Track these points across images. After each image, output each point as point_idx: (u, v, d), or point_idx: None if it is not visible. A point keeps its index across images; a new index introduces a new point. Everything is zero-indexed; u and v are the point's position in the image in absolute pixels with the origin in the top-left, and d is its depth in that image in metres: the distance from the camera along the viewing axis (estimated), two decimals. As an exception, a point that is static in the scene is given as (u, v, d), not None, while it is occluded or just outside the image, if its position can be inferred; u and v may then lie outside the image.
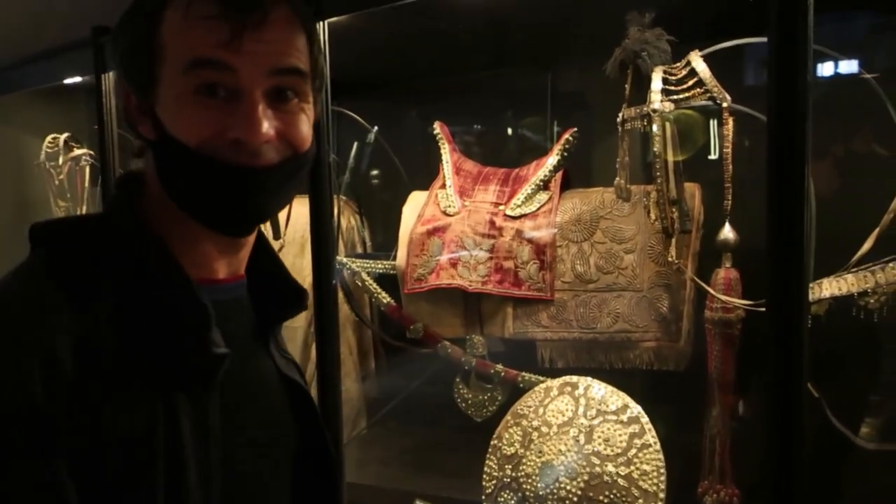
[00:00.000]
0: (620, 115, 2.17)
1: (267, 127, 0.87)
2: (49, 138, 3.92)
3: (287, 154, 0.91)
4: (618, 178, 2.18)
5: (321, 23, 2.25)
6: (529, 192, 2.60)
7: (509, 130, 3.73)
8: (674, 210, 2.08)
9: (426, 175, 3.01)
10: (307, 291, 1.13)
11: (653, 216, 2.12)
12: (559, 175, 2.63)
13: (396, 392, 3.23)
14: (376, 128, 3.26)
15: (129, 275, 0.87)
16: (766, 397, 1.51)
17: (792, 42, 1.41)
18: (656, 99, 2.03)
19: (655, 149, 2.03)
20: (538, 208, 2.58)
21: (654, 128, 2.02)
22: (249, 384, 1.02)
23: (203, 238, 0.94)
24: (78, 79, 3.45)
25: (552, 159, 2.63)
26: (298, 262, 3.38)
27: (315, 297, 2.53)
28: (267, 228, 3.17)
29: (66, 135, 3.93)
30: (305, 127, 0.94)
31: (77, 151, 3.94)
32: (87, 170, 3.95)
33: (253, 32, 0.85)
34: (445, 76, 3.58)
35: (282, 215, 3.15)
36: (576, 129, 2.63)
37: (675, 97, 2.04)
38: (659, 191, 2.05)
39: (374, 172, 3.89)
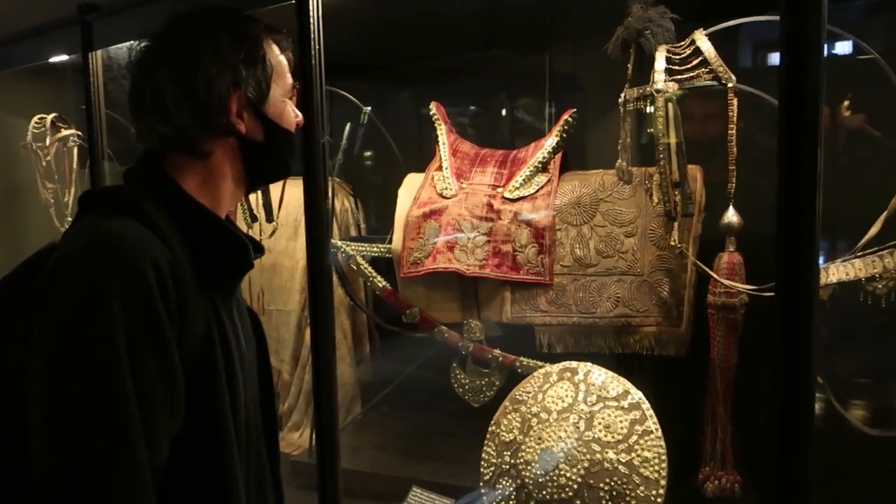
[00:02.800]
0: (622, 95, 2.12)
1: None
2: (36, 118, 3.83)
3: None
4: (619, 160, 2.14)
5: (315, 9, 2.19)
6: (528, 174, 2.55)
7: (505, 112, 3.68)
8: (676, 193, 2.03)
9: (422, 157, 2.95)
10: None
11: (655, 199, 2.08)
12: (558, 157, 2.58)
13: (392, 377, 3.20)
14: (369, 108, 3.20)
15: (185, 222, 1.19)
16: (773, 383, 1.48)
17: (804, 20, 1.36)
18: (660, 79, 1.98)
19: (658, 130, 1.98)
20: (537, 191, 2.53)
21: (657, 108, 1.97)
22: (239, 302, 1.36)
23: (237, 197, 1.35)
24: (64, 57, 3.37)
25: (551, 140, 2.58)
26: (291, 244, 3.33)
27: (309, 281, 2.47)
28: (260, 211, 3.11)
29: (53, 115, 3.85)
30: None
31: (65, 132, 3.86)
32: (75, 151, 3.88)
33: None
34: (441, 57, 3.52)
35: (275, 197, 3.10)
36: (574, 109, 2.58)
37: (678, 77, 1.99)
38: (662, 173, 2.00)
39: (368, 154, 3.83)
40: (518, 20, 3.04)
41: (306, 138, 2.24)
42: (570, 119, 2.56)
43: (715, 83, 1.97)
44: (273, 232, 3.10)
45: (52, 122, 3.84)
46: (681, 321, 2.33)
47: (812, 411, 1.48)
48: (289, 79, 1.32)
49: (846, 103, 2.40)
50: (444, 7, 2.90)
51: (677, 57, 2.01)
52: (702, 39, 1.98)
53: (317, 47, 2.18)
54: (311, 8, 2.19)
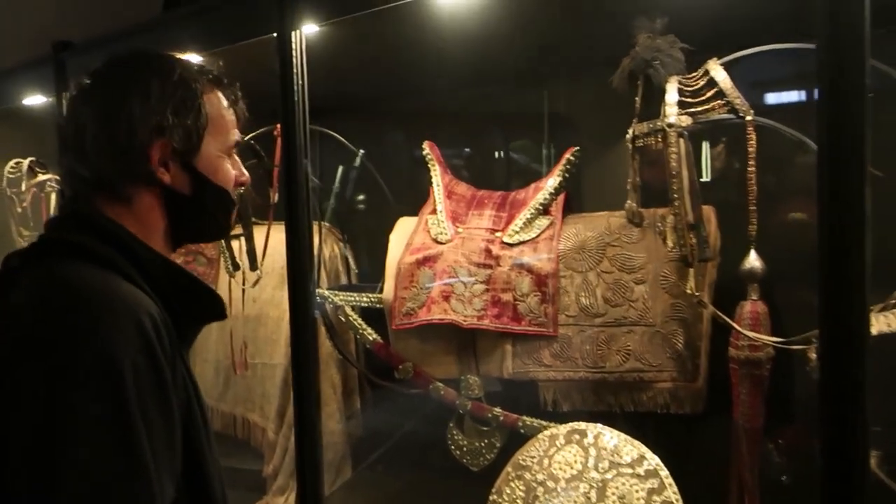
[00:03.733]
0: (630, 131, 1.96)
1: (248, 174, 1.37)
2: (11, 163, 3.67)
3: None
4: (629, 202, 1.97)
5: (296, 32, 2.04)
6: (528, 216, 2.38)
7: (501, 153, 3.52)
8: (692, 236, 1.85)
9: (414, 200, 2.79)
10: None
11: (669, 243, 1.90)
12: (561, 198, 2.40)
13: (384, 434, 2.98)
14: (363, 151, 3.05)
15: (151, 271, 1.16)
16: (819, 448, 1.30)
17: (847, 50, 1.20)
18: (672, 112, 1.81)
19: (671, 167, 1.81)
20: (538, 235, 2.35)
21: (669, 144, 1.80)
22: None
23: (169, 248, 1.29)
24: (42, 99, 3.22)
25: (552, 181, 2.41)
26: (278, 293, 3.14)
27: (292, 333, 2.30)
28: (244, 259, 2.93)
29: (30, 159, 3.69)
30: None
31: (42, 177, 3.69)
32: (53, 196, 3.70)
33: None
34: (433, 96, 3.38)
35: (259, 244, 2.92)
36: (577, 147, 2.41)
37: (692, 110, 1.83)
38: (676, 214, 1.83)
39: (360, 198, 3.67)
40: (514, 56, 2.90)
41: (288, 179, 2.07)
42: (572, 158, 2.39)
43: (731, 116, 1.80)
44: (257, 281, 2.92)
45: (29, 166, 3.68)
46: (697, 375, 2.13)
47: (866, 478, 1.30)
48: (232, 135, 1.29)
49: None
50: (437, 44, 2.76)
51: (690, 89, 1.86)
52: (716, 69, 1.82)
53: (299, 82, 2.03)
54: (293, 41, 2.04)
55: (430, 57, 2.90)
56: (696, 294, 1.91)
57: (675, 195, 1.82)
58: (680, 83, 1.86)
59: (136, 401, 0.99)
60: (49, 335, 1.00)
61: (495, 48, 2.80)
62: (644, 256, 2.21)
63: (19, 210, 3.70)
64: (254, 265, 2.91)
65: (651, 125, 1.85)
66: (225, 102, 1.28)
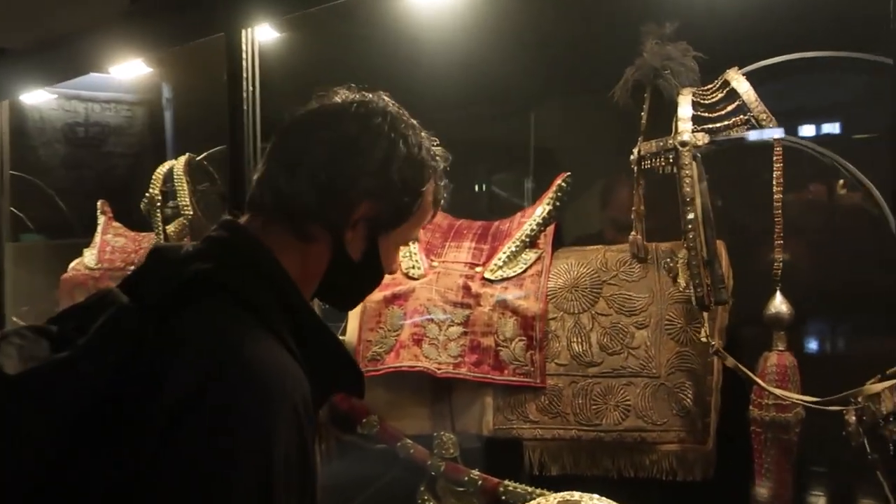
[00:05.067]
0: (635, 151, 1.69)
1: None
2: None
3: None
4: (633, 233, 1.69)
5: (247, 30, 1.76)
6: (513, 250, 2.09)
7: (483, 186, 3.25)
8: (707, 274, 1.57)
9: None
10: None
11: (682, 282, 1.63)
12: (550, 229, 2.12)
13: (346, 495, 2.64)
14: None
15: (301, 330, 1.03)
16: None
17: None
18: (686, 128, 1.55)
19: (685, 193, 1.53)
20: (524, 270, 2.07)
21: (683, 166, 1.53)
22: None
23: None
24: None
25: (541, 209, 2.13)
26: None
27: None
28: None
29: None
30: None
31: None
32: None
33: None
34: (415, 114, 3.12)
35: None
36: (569, 173, 2.14)
37: (708, 126, 1.56)
38: (691, 248, 1.55)
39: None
40: (497, 76, 2.65)
41: (234, 201, 1.78)
42: (563, 184, 2.12)
43: (755, 135, 1.54)
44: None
45: None
46: (706, 436, 1.85)
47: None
48: (418, 230, 1.21)
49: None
50: (409, 59, 2.50)
51: (706, 101, 1.59)
52: (738, 80, 1.56)
53: (250, 89, 1.74)
54: (243, 43, 1.75)
55: (401, 74, 2.64)
56: (713, 343, 1.62)
57: (690, 226, 1.55)
58: (694, 95, 1.59)
59: (282, 490, 0.91)
60: (216, 413, 0.90)
61: (475, 67, 2.55)
62: (646, 297, 1.93)
63: None
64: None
65: (661, 143, 1.58)
66: (433, 198, 1.17)
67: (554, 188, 2.13)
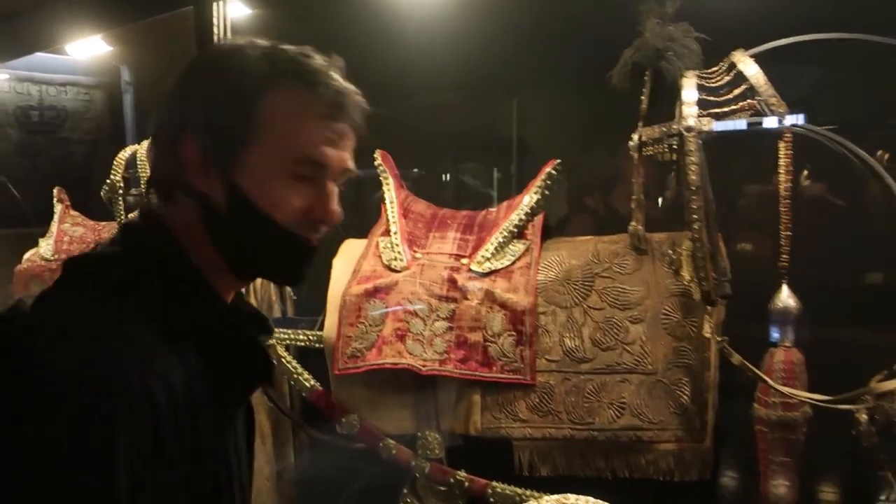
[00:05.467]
0: (635, 136, 1.60)
1: (340, 211, 1.02)
2: None
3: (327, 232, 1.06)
4: (633, 223, 1.60)
5: (218, 3, 1.63)
6: (501, 240, 1.99)
7: (449, 175, 3.15)
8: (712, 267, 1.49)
9: (357, 220, 2.39)
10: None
11: (686, 275, 1.54)
12: (539, 219, 2.03)
13: (324, 495, 2.53)
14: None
15: (189, 317, 0.97)
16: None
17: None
18: (691, 113, 1.46)
19: (691, 181, 1.45)
20: (513, 262, 1.97)
21: (689, 152, 1.44)
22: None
23: (221, 281, 1.02)
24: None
25: (528, 198, 2.03)
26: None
27: None
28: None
29: None
30: None
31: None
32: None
33: (347, 136, 1.01)
34: (379, 103, 2.99)
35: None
36: (559, 161, 2.05)
37: (714, 111, 1.48)
38: (696, 240, 1.47)
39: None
40: (481, 60, 2.54)
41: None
42: (553, 172, 2.03)
43: (764, 120, 1.46)
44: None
45: None
46: (704, 434, 1.78)
47: None
48: (306, 149, 0.97)
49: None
50: (386, 38, 2.38)
51: (711, 84, 1.50)
52: (745, 62, 1.48)
53: (222, 66, 1.60)
54: (214, 18, 1.62)
55: (376, 54, 2.52)
56: (720, 339, 1.54)
57: (695, 216, 1.46)
58: (698, 78, 1.51)
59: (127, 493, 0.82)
60: (43, 410, 0.82)
61: (458, 48, 2.44)
62: (641, 290, 1.85)
63: None
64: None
65: (664, 129, 1.49)
66: (305, 105, 0.97)
67: (543, 176, 2.04)
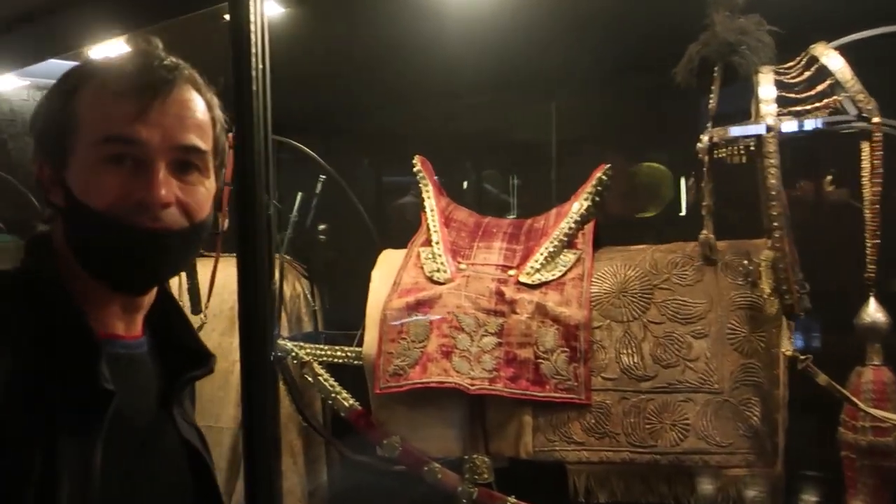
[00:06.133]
0: (705, 138, 1.48)
1: (166, 192, 0.97)
2: None
3: (184, 222, 1.01)
4: (704, 232, 1.49)
5: (257, 14, 1.52)
6: (551, 250, 1.88)
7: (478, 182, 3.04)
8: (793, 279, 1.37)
9: (389, 231, 2.29)
10: (212, 354, 1.15)
11: (765, 288, 1.41)
12: (589, 227, 1.92)
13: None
14: (323, 176, 2.54)
15: (29, 321, 0.95)
16: None
17: None
18: (770, 111, 1.34)
19: (771, 185, 1.33)
20: (564, 273, 1.85)
21: (768, 154, 1.33)
22: (142, 437, 1.05)
23: (104, 296, 1.03)
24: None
25: (578, 205, 1.92)
26: (226, 340, 2.59)
27: (244, 392, 1.80)
28: (185, 299, 2.39)
29: None
30: (203, 198, 1.04)
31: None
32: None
33: (160, 108, 0.98)
34: (415, 107, 2.90)
35: (204, 281, 2.37)
36: (609, 165, 1.93)
37: (795, 108, 1.36)
38: (777, 249, 1.35)
39: (322, 227, 3.15)
40: (520, 61, 2.43)
41: (243, 199, 1.55)
42: (604, 177, 1.91)
43: (850, 118, 1.34)
44: (201, 326, 2.36)
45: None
46: (776, 458, 1.65)
47: None
48: (104, 127, 0.97)
49: None
50: (422, 42, 2.28)
51: (790, 80, 1.39)
52: (829, 55, 1.36)
53: (259, 66, 1.51)
54: (252, 15, 1.52)
55: (413, 58, 2.42)
56: (804, 357, 1.42)
57: (776, 223, 1.34)
58: (776, 74, 1.39)
59: None
60: None
61: (494, 48, 2.33)
62: (704, 303, 1.73)
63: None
64: (197, 307, 2.37)
65: (740, 129, 1.37)
66: (108, 88, 0.98)
67: (593, 181, 1.93)
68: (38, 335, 0.94)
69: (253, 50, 1.48)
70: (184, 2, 1.68)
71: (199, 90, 1.03)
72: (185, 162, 1.00)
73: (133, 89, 0.96)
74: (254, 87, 1.48)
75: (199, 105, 1.03)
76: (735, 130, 1.38)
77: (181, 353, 1.12)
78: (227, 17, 1.68)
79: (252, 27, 1.49)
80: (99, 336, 0.99)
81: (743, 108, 1.58)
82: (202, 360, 1.14)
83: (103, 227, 0.97)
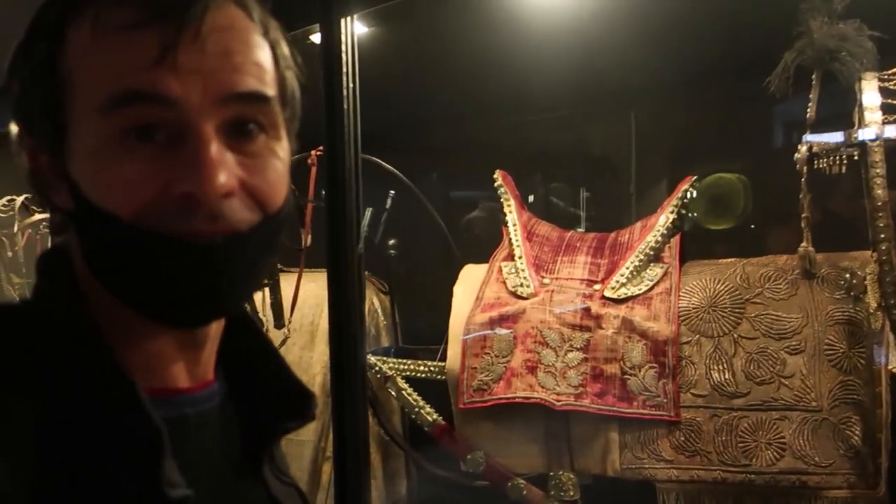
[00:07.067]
0: (803, 147, 1.44)
1: (226, 175, 0.62)
2: (3, 200, 3.21)
3: (255, 216, 0.65)
4: (804, 244, 1.44)
5: (345, 20, 1.55)
6: (637, 264, 1.85)
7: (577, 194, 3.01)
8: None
9: (459, 246, 2.30)
10: (314, 395, 0.82)
11: (872, 302, 1.36)
12: (676, 240, 1.88)
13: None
14: (393, 192, 2.57)
15: (57, 383, 0.63)
16: None
17: None
18: (876, 119, 1.29)
19: (877, 196, 1.28)
20: (651, 288, 1.82)
21: (873, 164, 1.28)
22: None
23: (152, 331, 0.69)
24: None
25: (664, 218, 1.89)
26: (307, 355, 2.62)
27: (334, 405, 1.83)
28: (268, 314, 2.43)
29: (24, 196, 3.22)
30: (278, 174, 0.67)
31: (38, 216, 3.22)
32: (50, 239, 3.23)
33: (193, 43, 0.61)
34: (488, 120, 2.90)
35: (287, 297, 2.40)
36: (696, 177, 1.90)
37: (902, 117, 1.31)
38: (884, 262, 1.29)
39: (392, 242, 3.17)
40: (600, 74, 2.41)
41: (332, 215, 1.57)
42: (690, 189, 1.88)
43: (961, 125, 1.28)
44: (284, 341, 2.40)
45: (24, 204, 3.21)
46: (878, 479, 1.58)
47: None
48: (116, 81, 0.60)
49: None
50: (499, 56, 2.28)
51: (894, 87, 1.34)
52: (937, 60, 1.31)
53: (350, 85, 1.53)
54: (343, 34, 1.55)
55: (485, 72, 2.43)
56: (910, 375, 1.36)
57: (882, 235, 1.29)
58: (879, 81, 1.34)
59: None
60: None
61: (571, 59, 2.32)
62: (798, 318, 1.67)
63: (10, 254, 3.22)
64: (280, 322, 2.40)
65: (844, 137, 1.33)
66: (105, 23, 0.61)
67: (679, 194, 1.89)
68: (60, 409, 0.63)
69: (344, 69, 1.51)
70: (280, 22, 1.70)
71: (245, 6, 0.67)
72: (243, 121, 0.65)
73: (148, 17, 0.61)
74: (345, 106, 1.51)
75: (252, 30, 0.66)
76: (837, 139, 1.34)
77: (268, 395, 0.80)
78: (312, 38, 1.73)
79: (343, 47, 1.51)
80: (151, 394, 0.65)
81: (833, 114, 1.54)
82: (301, 404, 0.81)
83: (133, 242, 0.62)
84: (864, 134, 1.29)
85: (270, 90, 0.66)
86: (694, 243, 2.13)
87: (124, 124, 0.61)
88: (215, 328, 0.74)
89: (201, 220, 0.61)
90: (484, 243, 2.17)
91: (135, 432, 0.63)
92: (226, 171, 0.62)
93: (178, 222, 0.61)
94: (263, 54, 0.66)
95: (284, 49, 0.70)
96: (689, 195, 1.88)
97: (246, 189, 0.64)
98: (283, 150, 0.69)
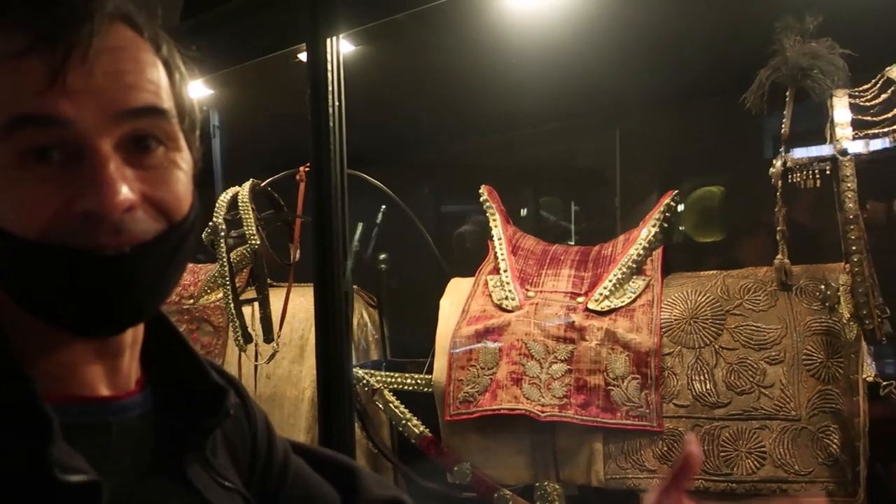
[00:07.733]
0: (778, 161, 1.48)
1: (126, 190, 0.64)
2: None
3: (160, 225, 0.68)
4: (779, 256, 1.47)
5: (331, 40, 1.58)
6: (619, 277, 1.88)
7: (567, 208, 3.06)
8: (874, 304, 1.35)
9: (450, 260, 2.32)
10: (229, 391, 0.81)
11: (845, 313, 1.40)
12: (658, 253, 1.91)
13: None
14: (384, 206, 2.60)
15: None
16: None
17: None
18: (846, 135, 1.33)
19: (848, 209, 1.32)
20: (633, 300, 1.85)
21: (844, 178, 1.32)
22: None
23: (68, 340, 0.70)
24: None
25: (646, 231, 1.92)
26: (296, 369, 2.64)
27: (321, 419, 1.84)
28: (257, 328, 2.45)
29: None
30: (180, 184, 0.70)
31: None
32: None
33: (82, 65, 0.63)
34: (477, 135, 2.94)
35: (276, 311, 2.43)
36: (676, 191, 1.94)
37: (873, 131, 1.35)
38: (857, 274, 1.33)
39: (382, 256, 3.20)
40: (586, 88, 2.46)
41: (319, 230, 1.60)
42: (672, 203, 1.91)
43: (929, 141, 1.33)
44: (273, 355, 2.42)
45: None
46: (857, 487, 1.61)
47: None
48: (27, 102, 0.62)
49: None
50: (486, 75, 2.33)
51: (863, 104, 1.38)
52: (905, 77, 1.35)
53: (335, 104, 1.57)
54: (329, 53, 1.58)
55: (474, 89, 2.47)
56: (886, 384, 1.39)
57: (854, 247, 1.33)
58: (850, 97, 1.38)
59: None
60: None
61: (556, 77, 2.36)
62: (778, 329, 1.70)
63: None
64: (269, 336, 2.43)
65: (815, 153, 1.37)
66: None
67: (661, 207, 1.93)
68: None
69: (330, 88, 1.54)
70: (260, 45, 1.74)
71: (135, 25, 0.69)
72: (141, 136, 0.67)
73: (35, 43, 0.62)
74: (331, 124, 1.54)
75: (144, 48, 0.69)
76: (809, 154, 1.38)
77: (193, 397, 0.80)
78: (300, 56, 1.77)
79: (329, 66, 1.55)
80: (68, 401, 0.69)
81: (810, 130, 1.58)
82: (217, 401, 0.80)
83: (41, 261, 0.64)
84: (835, 149, 1.33)
85: (165, 104, 0.69)
86: (683, 254, 2.17)
87: (20, 148, 0.62)
88: (131, 336, 0.75)
89: (105, 234, 0.64)
90: (474, 256, 2.20)
91: (28, 420, 0.63)
92: (126, 186, 0.64)
93: (84, 238, 0.63)
94: (156, 70, 0.69)
95: (179, 63, 0.73)
96: (670, 209, 1.91)
97: (149, 201, 0.67)
98: (184, 160, 0.71)
